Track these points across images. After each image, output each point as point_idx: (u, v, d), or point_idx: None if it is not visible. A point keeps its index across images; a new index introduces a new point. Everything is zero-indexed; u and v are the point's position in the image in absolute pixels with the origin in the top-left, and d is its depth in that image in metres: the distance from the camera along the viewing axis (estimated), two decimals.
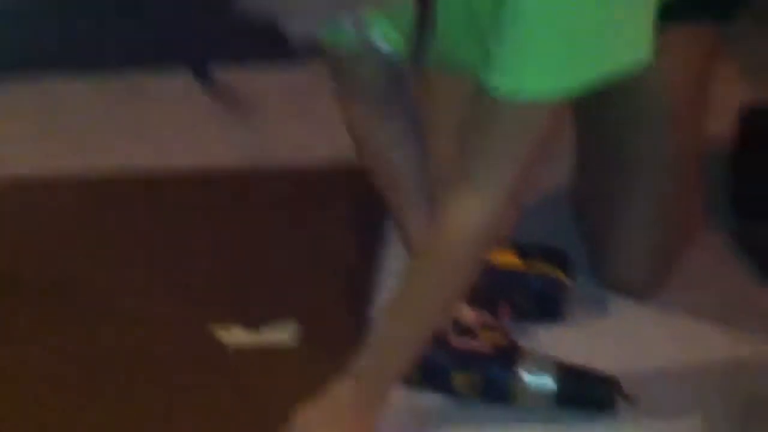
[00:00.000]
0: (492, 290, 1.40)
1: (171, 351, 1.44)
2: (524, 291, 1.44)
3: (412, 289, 1.24)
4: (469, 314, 1.37)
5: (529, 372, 1.29)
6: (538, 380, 1.29)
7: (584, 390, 1.29)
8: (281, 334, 1.44)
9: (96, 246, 1.67)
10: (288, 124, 1.95)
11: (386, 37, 1.26)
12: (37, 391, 1.38)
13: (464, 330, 1.35)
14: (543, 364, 1.30)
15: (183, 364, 1.42)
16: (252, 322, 1.46)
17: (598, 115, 1.43)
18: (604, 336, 1.43)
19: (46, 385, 1.39)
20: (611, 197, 1.47)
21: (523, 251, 1.45)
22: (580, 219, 1.57)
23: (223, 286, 1.56)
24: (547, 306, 1.45)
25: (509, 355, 1.31)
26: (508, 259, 1.44)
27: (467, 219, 1.16)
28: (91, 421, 1.33)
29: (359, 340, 1.36)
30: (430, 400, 1.34)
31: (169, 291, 1.55)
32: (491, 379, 1.30)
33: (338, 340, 1.40)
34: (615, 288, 1.49)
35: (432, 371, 1.32)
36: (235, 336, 1.45)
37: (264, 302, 1.52)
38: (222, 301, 1.53)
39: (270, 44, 1.19)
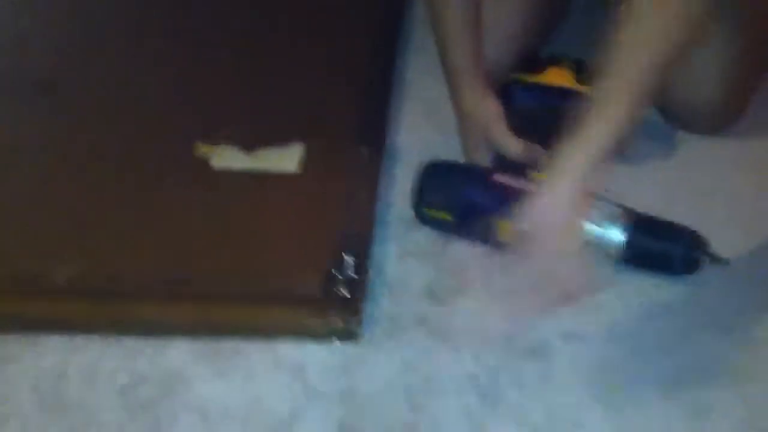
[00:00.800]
0: (542, 116, 1.15)
1: (150, 162, 1.19)
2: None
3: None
4: (516, 147, 1.11)
5: (593, 221, 1.04)
6: (605, 231, 1.04)
7: (661, 246, 1.04)
8: (282, 159, 1.18)
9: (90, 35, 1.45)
10: None
11: None
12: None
13: (511, 167, 1.09)
14: (610, 212, 1.05)
15: (163, 179, 1.17)
16: (248, 142, 1.20)
17: None
18: (675, 179, 1.19)
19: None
20: None
21: (580, 68, 1.19)
22: None
23: (218, 97, 1.30)
24: None
25: None
26: (562, 76, 1.19)
27: None
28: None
29: (369, 170, 1.16)
30: (470, 251, 1.09)
31: (154, 98, 1.31)
32: None
33: (345, 171, 1.17)
34: (682, 120, 1.25)
35: (472, 217, 1.07)
36: (225, 157, 1.19)
37: (265, 120, 1.26)
38: (214, 115, 1.27)
39: None
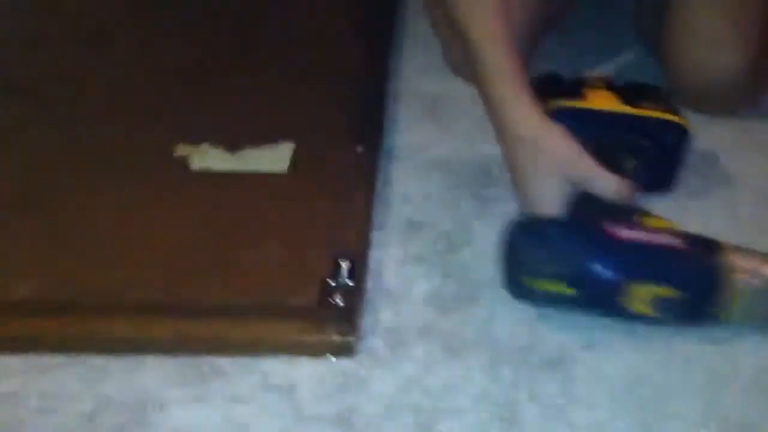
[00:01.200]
0: (605, 147, 0.96)
1: (127, 165, 1.10)
2: (640, 142, 1.01)
3: None
4: (615, 184, 0.91)
5: (744, 275, 0.87)
6: (760, 287, 0.87)
7: None
8: (271, 159, 1.09)
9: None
10: None
11: None
12: None
13: (620, 213, 0.90)
14: (758, 261, 0.88)
15: (140, 183, 1.07)
16: (234, 143, 1.11)
17: None
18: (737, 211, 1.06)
19: None
20: None
21: (624, 93, 1.03)
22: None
23: (202, 97, 1.20)
24: (667, 162, 1.03)
25: (707, 250, 0.89)
26: (608, 100, 1.02)
27: None
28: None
29: (365, 170, 1.07)
30: (588, 329, 0.92)
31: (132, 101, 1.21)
32: (695, 290, 0.87)
33: (338, 171, 1.08)
34: (703, 94, 1.13)
35: (601, 287, 0.88)
36: (206, 158, 1.09)
37: (253, 119, 1.16)
38: (199, 115, 1.17)
39: None
